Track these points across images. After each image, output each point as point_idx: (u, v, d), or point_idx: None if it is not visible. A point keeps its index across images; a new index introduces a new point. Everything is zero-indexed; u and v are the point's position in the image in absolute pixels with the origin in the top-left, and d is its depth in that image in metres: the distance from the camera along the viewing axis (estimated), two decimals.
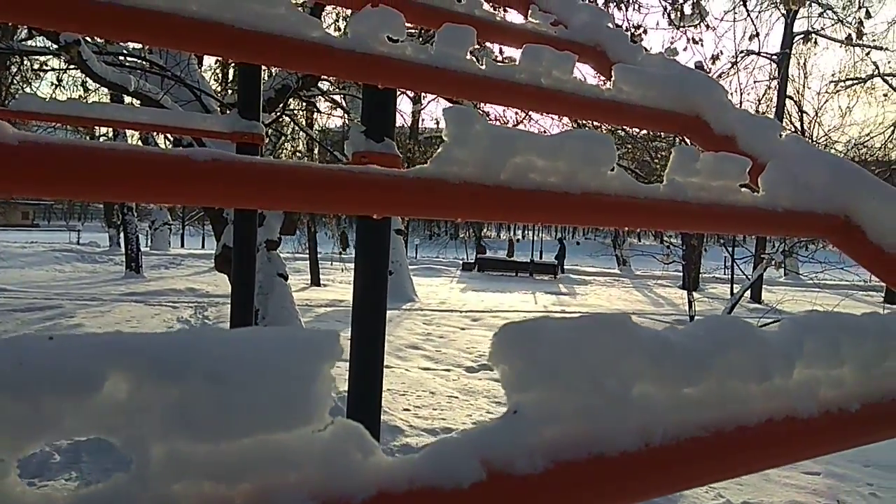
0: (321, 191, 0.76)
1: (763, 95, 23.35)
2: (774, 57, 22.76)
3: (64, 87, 10.01)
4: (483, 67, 1.32)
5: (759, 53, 21.22)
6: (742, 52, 18.78)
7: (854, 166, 1.38)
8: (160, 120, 4.09)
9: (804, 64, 26.71)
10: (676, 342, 0.59)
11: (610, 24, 1.96)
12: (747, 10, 13.89)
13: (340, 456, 0.43)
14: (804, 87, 27.22)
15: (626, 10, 8.43)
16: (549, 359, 0.53)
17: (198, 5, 1.03)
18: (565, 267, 27.98)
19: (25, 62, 8.17)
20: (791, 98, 25.18)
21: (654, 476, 0.56)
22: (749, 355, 0.62)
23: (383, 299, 3.04)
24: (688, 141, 1.68)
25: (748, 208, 1.17)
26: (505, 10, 2.53)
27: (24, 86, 8.59)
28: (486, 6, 1.84)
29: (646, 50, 1.86)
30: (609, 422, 0.54)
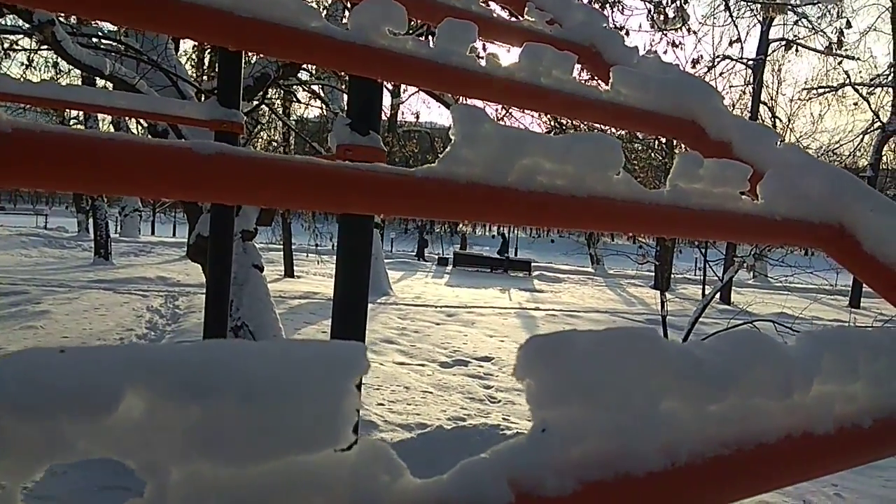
0: (327, 189, 0.73)
1: (738, 100, 23.65)
2: (750, 63, 23.07)
3: (34, 68, 9.71)
4: (484, 64, 1.29)
5: (737, 59, 21.49)
6: (719, 56, 18.98)
7: (850, 176, 1.38)
8: (138, 105, 3.98)
9: (778, 70, 27.16)
10: (703, 358, 0.57)
11: (605, 25, 1.95)
12: (731, 15, 14.00)
13: (368, 478, 0.40)
14: (778, 93, 27.68)
15: (612, 12, 8.44)
16: (578, 374, 0.51)
17: None
18: (540, 264, 28.08)
19: None
20: (765, 104, 25.56)
21: (679, 497, 0.54)
22: (772, 372, 0.61)
23: (364, 296, 3.01)
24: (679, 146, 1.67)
25: (748, 216, 1.16)
26: (487, 5, 2.51)
27: None
28: (482, 2, 1.81)
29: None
30: (636, 440, 0.52)
